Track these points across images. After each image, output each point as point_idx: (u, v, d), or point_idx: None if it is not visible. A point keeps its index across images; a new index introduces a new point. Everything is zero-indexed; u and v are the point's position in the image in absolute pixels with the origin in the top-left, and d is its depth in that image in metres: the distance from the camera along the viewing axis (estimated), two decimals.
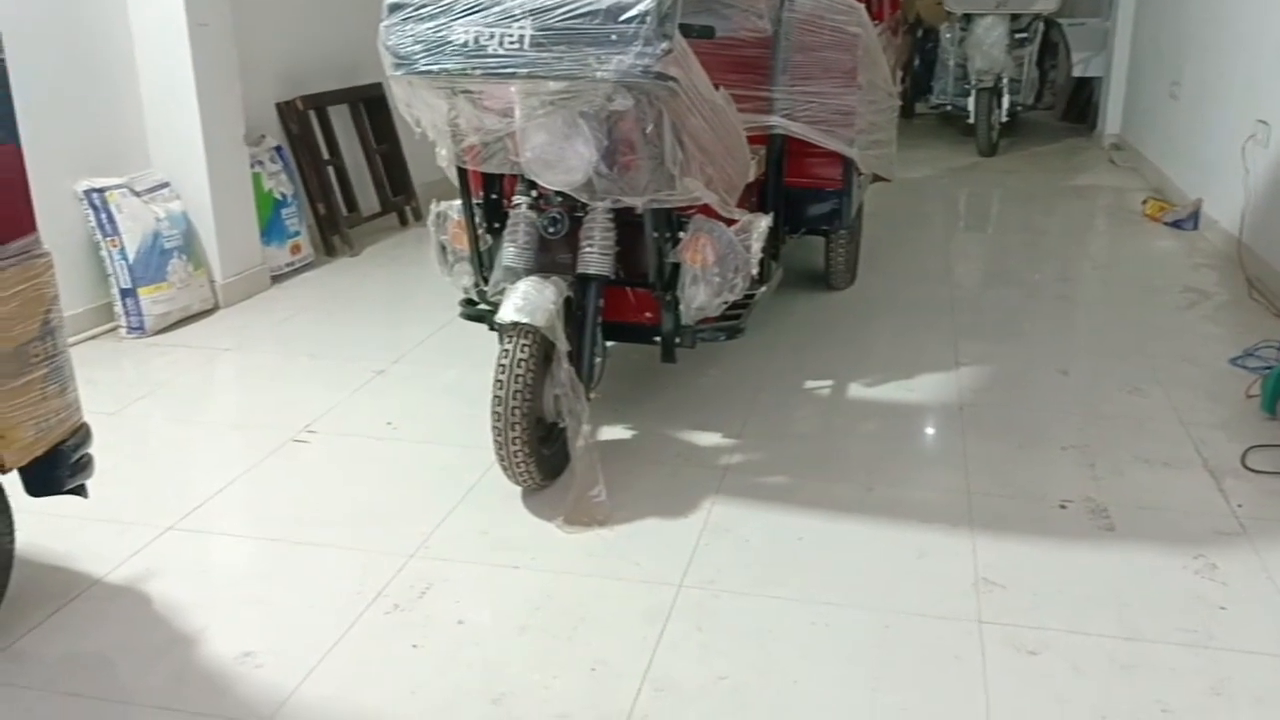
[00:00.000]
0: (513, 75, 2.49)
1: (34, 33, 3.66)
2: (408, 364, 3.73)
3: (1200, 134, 5.82)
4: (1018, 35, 7.93)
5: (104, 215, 3.88)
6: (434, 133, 2.81)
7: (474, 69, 2.50)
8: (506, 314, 2.64)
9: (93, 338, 3.93)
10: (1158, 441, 3.09)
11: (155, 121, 4.19)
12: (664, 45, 2.42)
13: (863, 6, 3.64)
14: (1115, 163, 7.46)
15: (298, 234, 4.84)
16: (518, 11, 2.48)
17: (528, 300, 2.66)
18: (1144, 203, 5.98)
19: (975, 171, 7.35)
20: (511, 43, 2.48)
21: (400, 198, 5.72)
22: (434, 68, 2.54)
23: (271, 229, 4.68)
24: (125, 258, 3.90)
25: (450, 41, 2.52)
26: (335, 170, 5.30)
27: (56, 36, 3.80)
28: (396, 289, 4.71)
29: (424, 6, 2.57)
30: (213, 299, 4.27)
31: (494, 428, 2.63)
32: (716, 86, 2.84)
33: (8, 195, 2.09)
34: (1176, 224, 5.59)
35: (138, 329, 3.95)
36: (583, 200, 2.72)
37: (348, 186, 5.37)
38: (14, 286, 2.06)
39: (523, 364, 2.61)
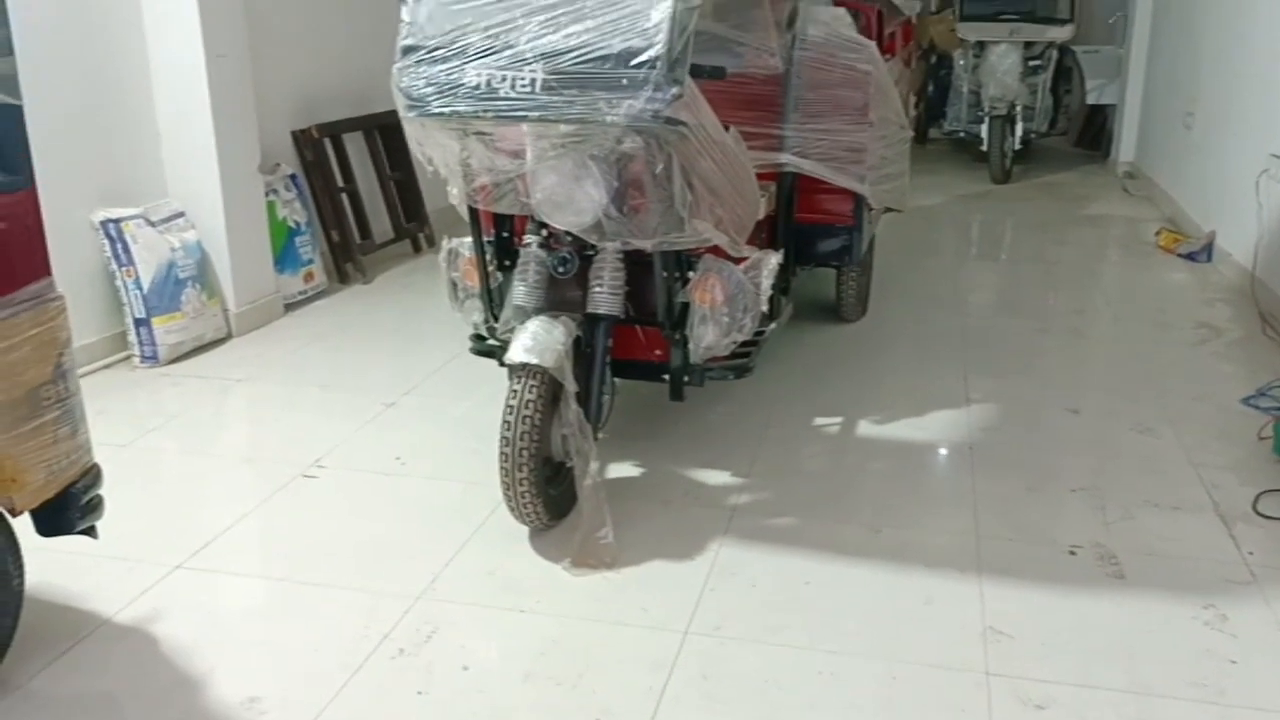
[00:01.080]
0: (524, 118, 2.50)
1: (53, 64, 3.70)
2: (418, 396, 3.74)
3: (1213, 165, 5.81)
4: (1031, 63, 7.93)
5: (119, 245, 3.91)
6: (446, 171, 2.83)
7: (486, 111, 2.52)
8: (516, 354, 2.65)
9: (106, 367, 3.96)
10: (1168, 484, 3.07)
11: (172, 152, 4.23)
12: (674, 90, 2.43)
13: (873, 44, 3.65)
14: (1129, 191, 7.44)
15: (311, 262, 4.86)
16: (529, 55, 2.50)
17: (537, 341, 2.67)
18: (1157, 233, 5.97)
19: (988, 199, 7.34)
20: (523, 86, 2.49)
21: (413, 224, 5.75)
22: (446, 110, 2.56)
23: (285, 257, 4.71)
24: (140, 288, 3.93)
25: (463, 84, 2.54)
26: (349, 197, 5.33)
27: (76, 68, 3.84)
28: (408, 317, 4.73)
29: (437, 49, 2.59)
30: (226, 328, 4.30)
31: (501, 468, 2.63)
32: (726, 127, 2.86)
33: (23, 240, 2.11)
34: (1190, 256, 5.57)
35: (151, 358, 3.97)
36: (592, 241, 2.73)
37: (361, 213, 5.41)
38: (27, 331, 2.07)
39: (531, 405, 2.62)
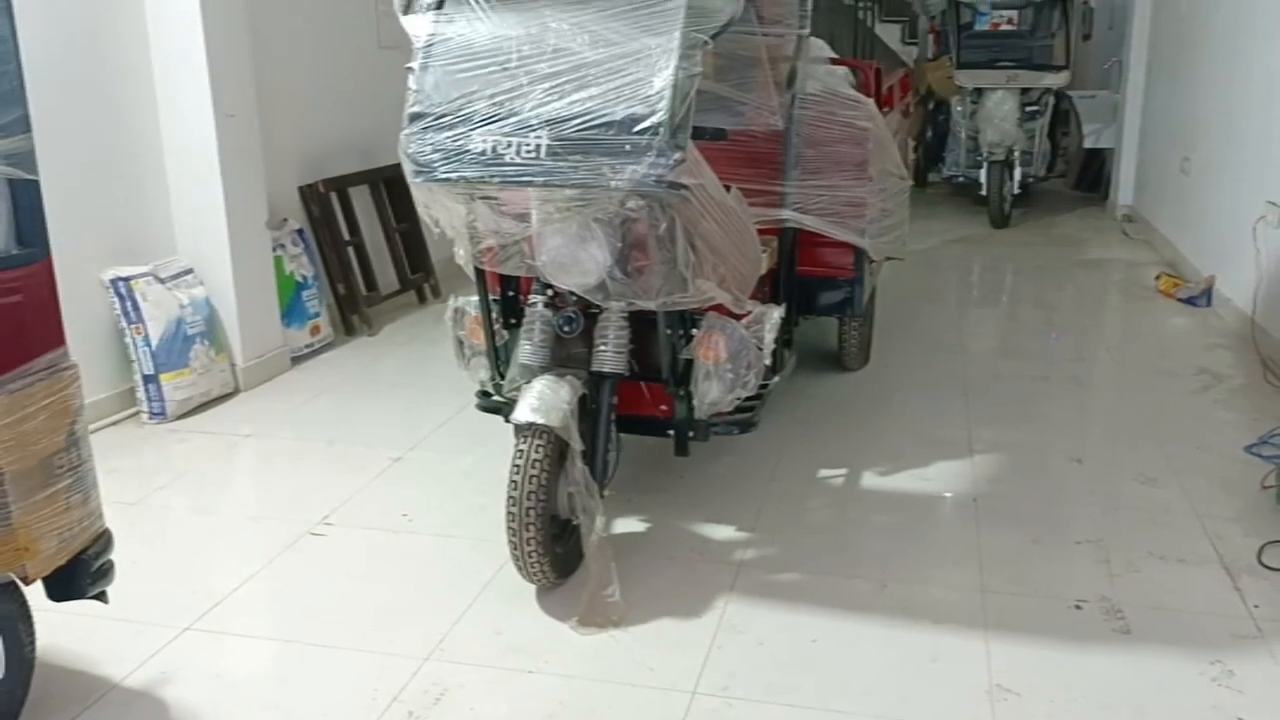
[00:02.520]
0: (529, 183, 2.55)
1: (66, 124, 3.76)
2: (425, 450, 3.76)
3: (1211, 210, 5.87)
4: (1029, 108, 8.02)
5: (129, 303, 3.96)
6: (452, 233, 2.88)
7: (492, 177, 2.57)
8: (522, 414, 2.68)
9: (115, 423, 3.98)
10: (1172, 535, 3.09)
11: (181, 210, 4.29)
12: (676, 156, 2.48)
13: (871, 101, 3.71)
14: (1128, 234, 7.50)
15: (318, 315, 4.91)
16: (534, 121, 2.56)
17: (543, 400, 2.69)
18: (1157, 278, 6.01)
19: (988, 244, 7.40)
20: (528, 152, 2.55)
21: (419, 275, 5.81)
22: (453, 175, 2.61)
23: (292, 311, 4.75)
24: (149, 345, 3.97)
25: (469, 150, 2.59)
26: (355, 249, 5.39)
27: (88, 128, 3.90)
28: (414, 369, 4.76)
29: (443, 116, 2.65)
30: (233, 383, 4.33)
31: (509, 528, 2.65)
32: (728, 187, 2.91)
33: (39, 310, 2.15)
34: (1190, 300, 5.61)
35: (159, 414, 4.01)
36: (597, 302, 2.77)
37: (367, 265, 5.46)
38: (41, 401, 2.11)
39: (537, 464, 2.64)
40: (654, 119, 2.48)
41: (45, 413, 2.12)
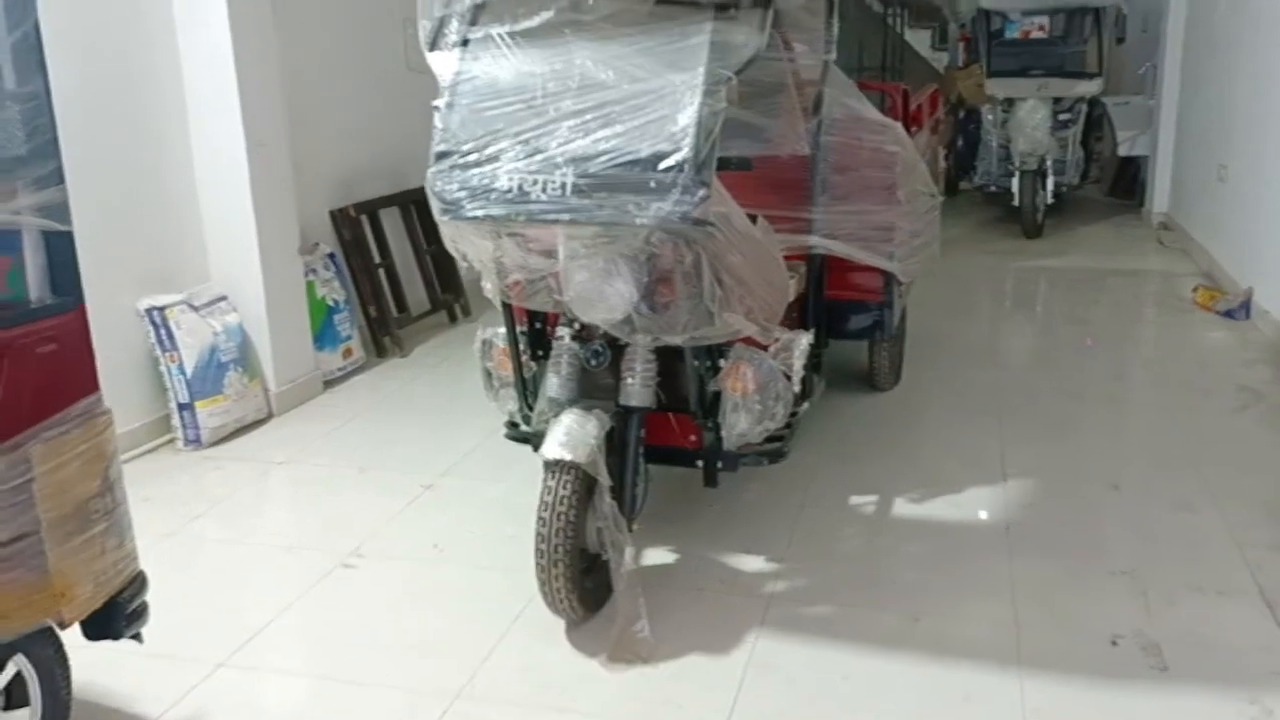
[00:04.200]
0: (555, 221, 2.56)
1: (100, 156, 3.81)
2: (455, 477, 3.78)
3: (1249, 220, 5.78)
4: (1061, 116, 7.95)
5: (164, 332, 4.01)
6: (480, 266, 2.89)
7: (518, 215, 2.58)
8: (550, 450, 2.69)
9: (150, 451, 4.04)
10: (1211, 566, 3.04)
11: (214, 237, 4.34)
12: (702, 193, 2.48)
13: (899, 125, 3.69)
14: (1163, 243, 7.41)
15: (349, 338, 4.95)
16: (560, 159, 2.56)
17: (570, 436, 2.70)
18: (1194, 290, 5.93)
19: (1020, 255, 7.33)
20: (554, 189, 2.55)
21: (449, 295, 5.84)
22: (479, 213, 2.62)
23: (324, 335, 4.80)
24: (183, 372, 4.02)
25: (495, 188, 2.60)
26: (386, 272, 5.43)
27: (122, 159, 3.96)
28: (444, 392, 4.78)
29: (470, 154, 2.66)
30: (266, 408, 4.38)
31: (537, 564, 2.66)
32: (754, 218, 2.90)
33: (74, 358, 2.18)
34: (1228, 313, 5.52)
35: (194, 441, 4.05)
36: (623, 338, 2.77)
37: (398, 287, 5.50)
38: (77, 448, 2.13)
39: (565, 500, 2.64)
40: (679, 156, 2.48)
41: (80, 459, 2.15)
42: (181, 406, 4.05)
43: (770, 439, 3.10)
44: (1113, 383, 4.77)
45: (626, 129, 2.55)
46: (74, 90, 3.58)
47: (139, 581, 2.34)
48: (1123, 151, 8.72)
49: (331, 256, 4.97)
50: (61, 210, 2.13)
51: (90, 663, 2.47)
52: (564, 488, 2.65)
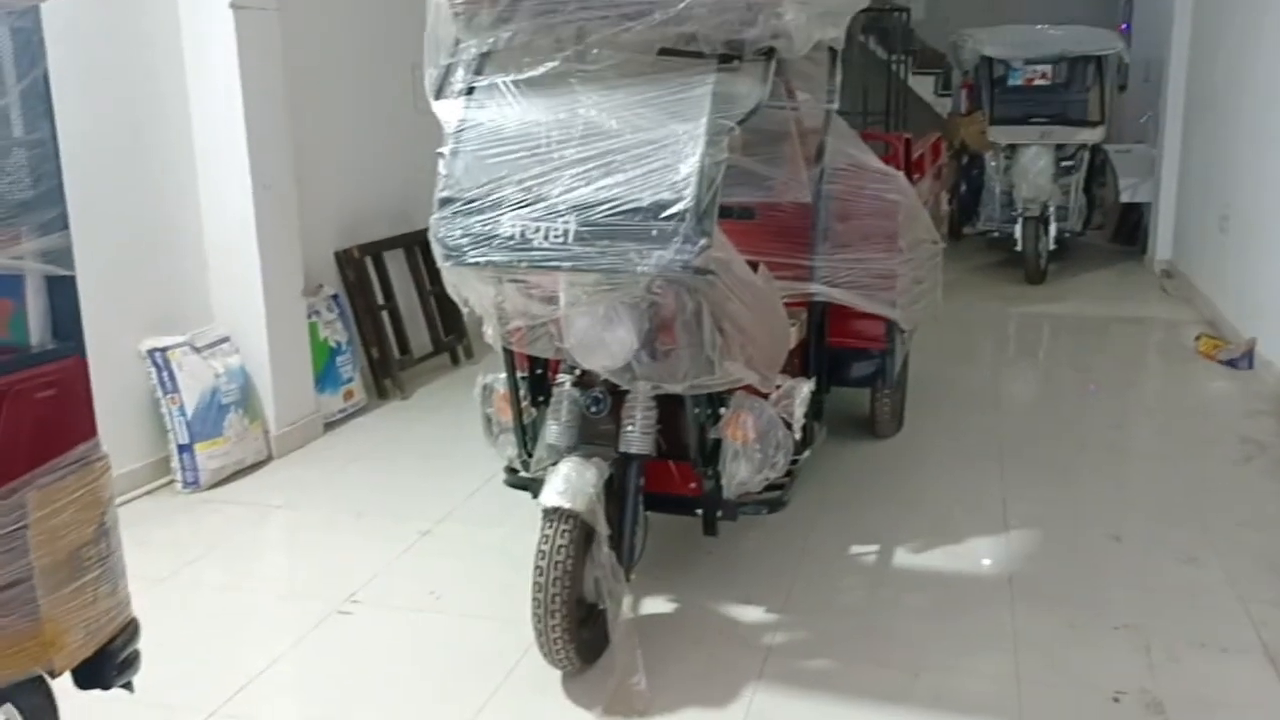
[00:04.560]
0: (557, 268, 2.57)
1: (107, 197, 3.84)
2: (454, 522, 3.76)
3: (1251, 270, 5.78)
4: (1064, 163, 7.97)
5: (165, 374, 4.01)
6: (481, 312, 2.89)
7: (520, 261, 2.59)
8: (548, 498, 2.67)
9: (149, 493, 4.02)
10: (1215, 621, 3.01)
11: (219, 279, 4.35)
12: (703, 242, 2.49)
13: (901, 174, 3.71)
14: (1166, 291, 7.41)
15: (351, 380, 4.95)
16: (562, 207, 2.58)
17: (569, 484, 2.69)
18: (1197, 339, 5.92)
19: (1023, 301, 7.33)
20: (556, 237, 2.57)
21: (451, 337, 5.84)
22: (482, 260, 2.64)
23: (325, 377, 4.80)
24: (184, 414, 4.01)
25: (498, 235, 2.62)
26: (389, 313, 5.44)
27: (129, 201, 3.98)
28: (445, 435, 4.76)
29: (473, 201, 2.68)
30: (266, 450, 4.36)
31: (534, 614, 2.63)
32: (755, 266, 2.91)
33: (73, 403, 2.17)
34: (1231, 363, 5.51)
35: (193, 484, 4.04)
36: (623, 385, 2.76)
37: (401, 329, 5.51)
38: (72, 494, 2.12)
39: (563, 550, 2.63)
40: (680, 205, 2.50)
41: (76, 505, 2.13)
42: (181, 448, 4.04)
43: (770, 487, 3.08)
44: (1115, 431, 4.75)
45: (629, 177, 2.57)
46: (83, 132, 3.63)
47: (131, 629, 2.31)
48: (1125, 198, 8.74)
49: (335, 298, 4.98)
50: (65, 255, 2.14)
51: (80, 709, 2.44)
52: (562, 537, 2.63)
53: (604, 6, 2.63)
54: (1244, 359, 5.46)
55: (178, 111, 4.17)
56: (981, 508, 3.81)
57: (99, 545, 2.19)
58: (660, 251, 2.48)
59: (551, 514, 2.67)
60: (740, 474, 2.94)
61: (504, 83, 2.79)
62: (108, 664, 2.24)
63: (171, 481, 4.09)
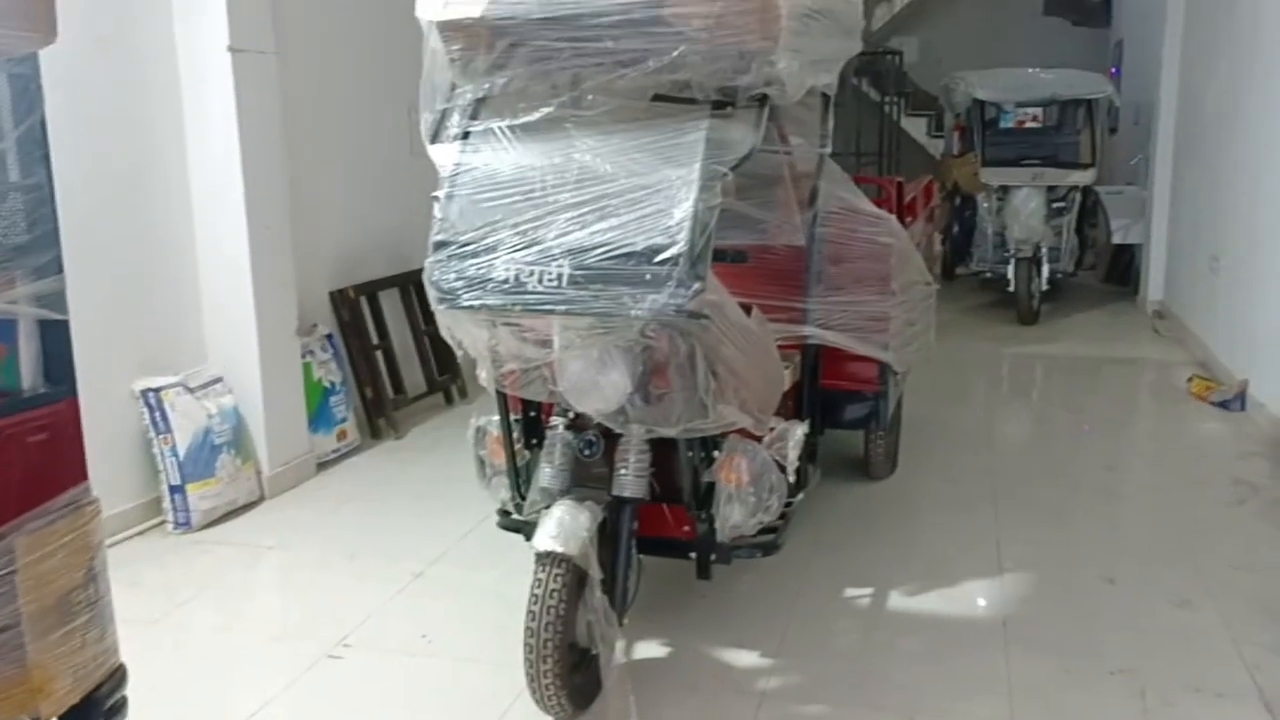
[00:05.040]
0: (550, 311, 2.58)
1: (104, 239, 3.86)
2: (447, 564, 3.74)
3: (1242, 313, 5.81)
4: (1055, 205, 8.03)
5: (158, 414, 4.00)
6: (475, 354, 2.90)
7: (514, 305, 2.60)
8: (541, 542, 2.66)
9: (140, 534, 4.00)
10: (1210, 666, 2.99)
11: (213, 319, 4.36)
12: (696, 286, 2.50)
13: (893, 217, 3.74)
14: (1159, 332, 7.44)
15: (344, 420, 4.94)
16: (556, 251, 2.59)
17: (562, 528, 2.68)
18: (1189, 380, 5.94)
19: (1016, 341, 7.36)
20: (550, 281, 2.58)
21: (445, 376, 5.84)
22: (476, 303, 2.64)
23: (319, 417, 4.79)
24: (176, 455, 4.00)
25: (492, 278, 2.63)
26: (383, 353, 5.44)
27: (126, 242, 4.00)
28: (438, 475, 4.75)
29: (468, 244, 2.69)
30: (258, 491, 4.35)
31: (526, 659, 2.62)
32: (748, 309, 2.92)
33: (64, 447, 2.17)
34: (1223, 404, 5.52)
35: (184, 524, 4.02)
36: (616, 429, 2.77)
37: (395, 368, 5.51)
38: (62, 538, 2.11)
39: (555, 594, 2.61)
40: (674, 250, 2.51)
41: (65, 550, 2.12)
42: (173, 489, 4.02)
43: (764, 530, 3.08)
44: (1108, 473, 4.75)
45: (623, 222, 2.58)
46: (82, 172, 3.67)
47: (119, 675, 2.29)
48: (1117, 239, 8.81)
49: (329, 337, 4.98)
50: (58, 299, 2.14)
51: None
52: (554, 581, 2.62)
53: (599, 54, 2.65)
54: (1236, 400, 5.48)
55: (175, 153, 4.20)
56: (975, 550, 3.81)
57: (88, 590, 2.18)
58: (654, 296, 2.49)
59: (544, 558, 2.65)
60: (734, 517, 2.93)
61: (499, 128, 2.81)
62: (94, 711, 2.21)
63: (163, 522, 4.06)
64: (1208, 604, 3.36)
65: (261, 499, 4.35)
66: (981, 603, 3.43)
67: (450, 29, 2.77)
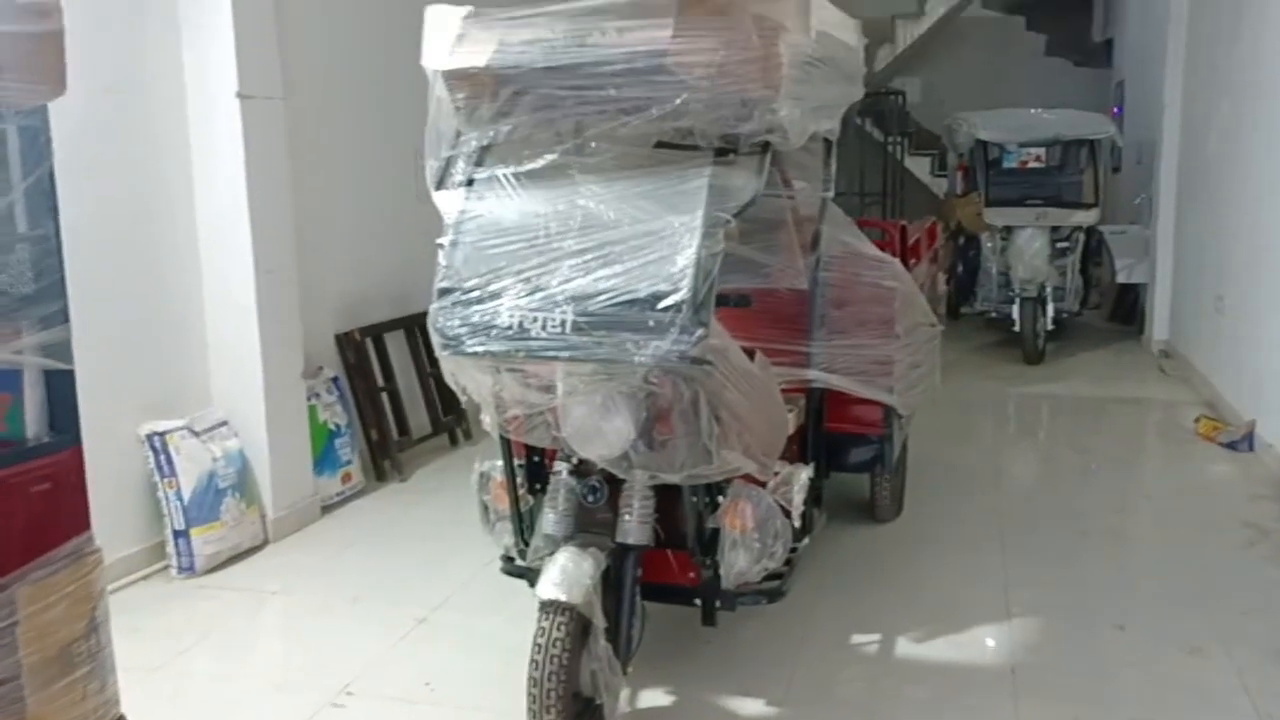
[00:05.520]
0: (554, 358, 2.58)
1: (111, 282, 3.88)
2: (450, 609, 3.72)
3: (1248, 352, 5.80)
4: (1059, 245, 8.05)
5: (163, 457, 4.00)
6: (479, 400, 2.90)
7: (518, 351, 2.61)
8: (544, 590, 2.65)
9: (144, 578, 3.98)
10: (1222, 715, 2.96)
11: (219, 362, 4.37)
12: (699, 332, 2.50)
13: (896, 260, 3.75)
14: (1165, 371, 7.42)
15: (349, 463, 4.94)
16: (560, 298, 2.60)
17: (565, 575, 2.67)
18: (1196, 420, 5.91)
19: (1021, 381, 7.34)
20: (554, 327, 2.58)
21: (451, 418, 5.84)
22: (480, 349, 2.65)
23: (324, 459, 4.79)
24: (180, 499, 4.00)
25: (496, 325, 2.64)
26: (389, 395, 5.45)
27: (132, 286, 4.01)
28: (444, 517, 4.72)
29: (472, 291, 2.70)
30: (263, 534, 4.34)
31: (529, 709, 2.59)
32: (752, 354, 2.92)
33: (68, 496, 2.17)
34: (1231, 445, 5.49)
35: (188, 569, 4.01)
36: (620, 475, 2.76)
37: (400, 410, 5.51)
38: (64, 589, 2.11)
39: (559, 643, 2.59)
40: (677, 296, 2.52)
41: (67, 600, 2.12)
42: (177, 533, 4.01)
43: (770, 576, 3.06)
44: (1116, 515, 4.72)
45: (626, 269, 2.60)
46: (90, 217, 3.70)
47: None
48: (1121, 279, 8.81)
49: (335, 380, 4.99)
50: (64, 349, 2.15)
51: None
52: (558, 630, 2.60)
53: (602, 102, 2.68)
54: (1244, 441, 5.45)
55: (183, 197, 4.23)
56: (983, 594, 3.78)
57: (89, 641, 2.17)
58: (657, 342, 2.50)
59: (548, 606, 2.64)
60: (739, 564, 2.92)
61: (504, 174, 2.84)
62: None
63: (166, 567, 4.05)
64: (1219, 651, 3.32)
65: (266, 542, 4.34)
66: (990, 649, 3.40)
67: (455, 77, 2.80)
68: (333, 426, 4.86)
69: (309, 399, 4.73)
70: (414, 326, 5.70)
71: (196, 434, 4.17)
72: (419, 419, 5.67)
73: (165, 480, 4.02)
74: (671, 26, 2.57)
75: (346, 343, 5.20)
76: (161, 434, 4.03)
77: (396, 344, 5.62)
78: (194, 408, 4.27)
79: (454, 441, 5.84)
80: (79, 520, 2.19)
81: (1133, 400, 6.80)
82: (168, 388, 4.20)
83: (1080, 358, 8.06)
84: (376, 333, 5.43)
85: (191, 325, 4.30)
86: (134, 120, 4.02)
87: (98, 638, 2.19)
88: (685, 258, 2.56)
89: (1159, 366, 7.57)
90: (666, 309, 2.51)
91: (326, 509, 4.75)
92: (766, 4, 2.66)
